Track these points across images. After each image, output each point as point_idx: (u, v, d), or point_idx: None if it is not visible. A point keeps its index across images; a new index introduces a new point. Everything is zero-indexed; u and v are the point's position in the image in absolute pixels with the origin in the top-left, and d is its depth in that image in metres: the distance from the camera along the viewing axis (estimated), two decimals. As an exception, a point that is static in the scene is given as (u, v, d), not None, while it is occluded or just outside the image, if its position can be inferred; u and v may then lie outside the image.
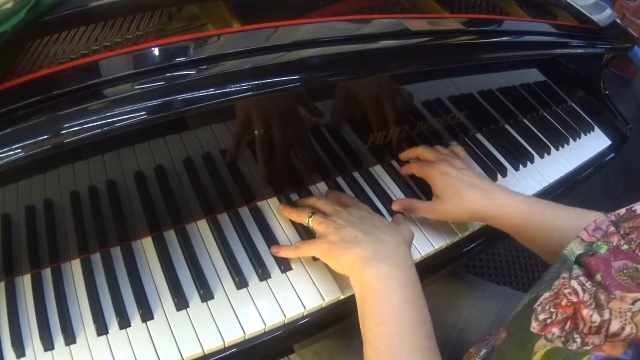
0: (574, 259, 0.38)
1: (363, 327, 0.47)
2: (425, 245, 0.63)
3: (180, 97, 0.44)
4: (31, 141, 0.39)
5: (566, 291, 0.35)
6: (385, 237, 0.51)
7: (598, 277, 0.34)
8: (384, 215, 0.64)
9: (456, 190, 0.59)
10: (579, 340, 0.31)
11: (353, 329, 0.71)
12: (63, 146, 0.40)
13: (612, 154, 0.95)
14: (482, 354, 0.56)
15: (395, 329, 0.44)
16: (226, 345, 0.50)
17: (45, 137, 0.40)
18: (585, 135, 0.94)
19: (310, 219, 0.55)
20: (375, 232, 0.51)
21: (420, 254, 0.62)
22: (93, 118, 0.41)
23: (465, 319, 0.73)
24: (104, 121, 0.41)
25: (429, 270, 0.64)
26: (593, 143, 0.94)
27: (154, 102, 0.43)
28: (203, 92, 0.45)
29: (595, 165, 0.91)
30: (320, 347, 0.70)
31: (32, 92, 0.42)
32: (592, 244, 0.38)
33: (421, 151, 0.67)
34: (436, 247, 0.63)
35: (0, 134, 0.39)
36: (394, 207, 0.63)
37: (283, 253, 0.56)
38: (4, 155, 0.38)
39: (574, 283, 0.35)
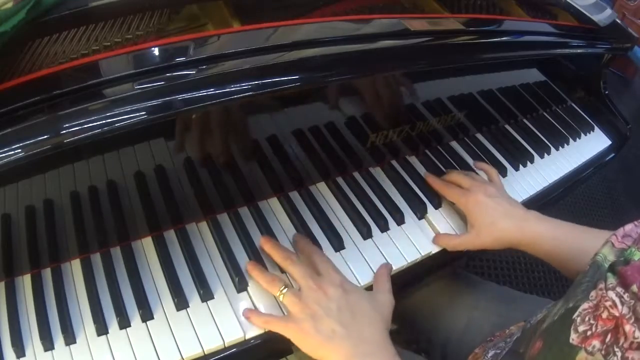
0: (607, 266, 0.38)
1: None
2: (426, 245, 0.63)
3: (180, 97, 0.44)
4: (31, 141, 0.39)
5: (607, 304, 0.35)
6: (364, 331, 0.48)
7: (634, 287, 0.34)
8: (386, 219, 0.64)
9: (491, 220, 0.60)
10: (619, 354, 0.32)
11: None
12: (63, 146, 0.40)
13: (612, 154, 0.95)
14: (490, 355, 0.56)
15: None
16: (226, 345, 0.50)
17: (45, 137, 0.40)
18: (585, 135, 0.94)
19: (283, 294, 0.51)
20: (354, 325, 0.48)
21: (420, 254, 0.62)
22: (93, 118, 0.41)
23: (467, 319, 0.73)
24: (104, 121, 0.41)
25: (429, 270, 0.64)
26: (593, 143, 0.94)
27: (154, 102, 0.43)
28: (203, 92, 0.45)
29: (595, 165, 0.91)
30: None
31: (32, 92, 0.42)
32: (624, 251, 0.38)
33: (456, 178, 0.68)
34: (436, 247, 0.64)
35: (0, 134, 0.39)
36: (436, 243, 0.63)
37: (253, 320, 0.51)
38: (4, 155, 0.38)
39: (611, 294, 0.35)
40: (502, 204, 0.62)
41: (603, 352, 0.33)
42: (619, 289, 0.35)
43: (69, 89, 0.43)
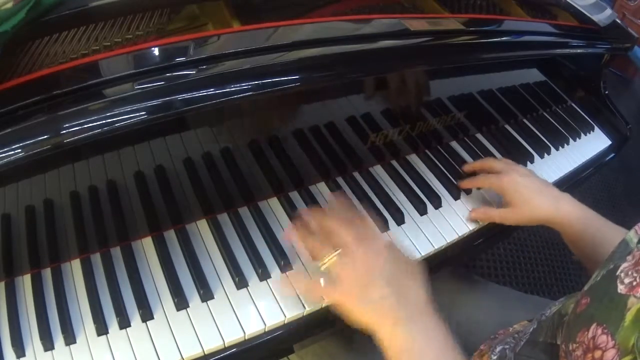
0: (636, 242, 0.43)
1: None
2: (426, 244, 0.63)
3: (180, 97, 0.44)
4: (31, 141, 0.39)
5: None
6: (410, 293, 0.48)
7: None
8: (386, 219, 0.64)
9: (526, 198, 0.63)
10: None
11: (353, 329, 0.72)
12: (63, 146, 0.40)
13: (612, 154, 0.95)
14: (497, 350, 0.56)
15: None
16: (226, 345, 0.50)
17: (45, 137, 0.40)
18: (585, 135, 0.94)
19: (331, 259, 0.50)
20: (401, 288, 0.48)
21: (421, 253, 0.62)
22: (93, 118, 0.41)
23: (468, 318, 0.73)
24: (104, 121, 0.41)
25: (429, 270, 0.64)
26: (593, 143, 0.94)
27: (154, 102, 0.43)
28: (203, 92, 0.45)
29: (595, 165, 0.91)
30: (320, 347, 0.70)
31: (32, 92, 0.42)
32: None
33: (490, 163, 0.70)
34: (436, 247, 0.63)
35: (0, 134, 0.39)
36: (473, 216, 0.66)
37: (299, 285, 0.53)
38: (4, 155, 0.38)
39: None
40: (536, 183, 0.65)
41: None
42: None
43: (69, 89, 0.43)
